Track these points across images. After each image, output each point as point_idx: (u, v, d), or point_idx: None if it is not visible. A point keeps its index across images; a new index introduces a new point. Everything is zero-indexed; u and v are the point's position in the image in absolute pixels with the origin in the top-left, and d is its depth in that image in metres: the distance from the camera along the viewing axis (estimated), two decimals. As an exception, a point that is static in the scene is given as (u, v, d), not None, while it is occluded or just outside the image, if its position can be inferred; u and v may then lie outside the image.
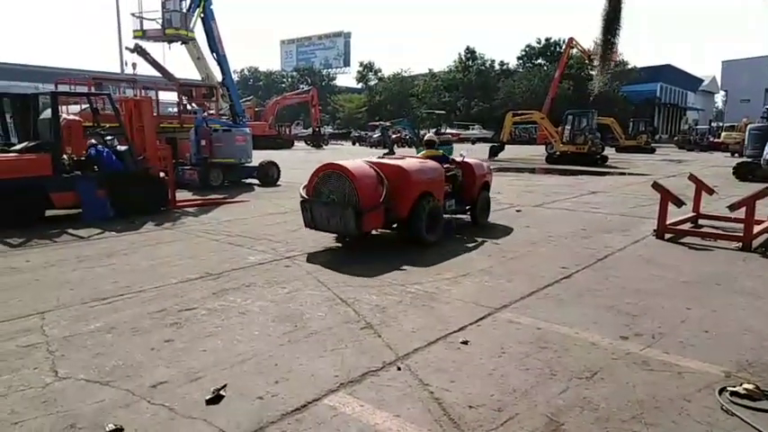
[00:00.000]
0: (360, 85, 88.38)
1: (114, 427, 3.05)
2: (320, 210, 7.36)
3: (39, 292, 5.61)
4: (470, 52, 71.01)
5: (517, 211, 11.28)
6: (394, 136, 34.34)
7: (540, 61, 69.25)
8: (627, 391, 3.55)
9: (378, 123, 33.65)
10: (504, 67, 71.03)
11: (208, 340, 4.36)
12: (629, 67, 60.28)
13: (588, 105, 32.38)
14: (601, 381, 3.70)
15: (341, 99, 79.84)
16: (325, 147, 45.54)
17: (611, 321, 4.87)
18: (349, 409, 3.31)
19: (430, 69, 74.88)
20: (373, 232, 8.12)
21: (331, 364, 3.95)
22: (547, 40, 68.62)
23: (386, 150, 26.07)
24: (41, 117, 10.77)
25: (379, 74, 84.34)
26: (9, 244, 7.91)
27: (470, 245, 7.96)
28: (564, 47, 43.14)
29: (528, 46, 70.51)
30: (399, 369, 3.86)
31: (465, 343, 4.33)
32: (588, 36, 78.28)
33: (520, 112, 31.71)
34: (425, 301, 5.38)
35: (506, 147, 30.55)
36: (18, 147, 9.88)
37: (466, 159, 9.37)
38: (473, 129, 56.35)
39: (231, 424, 3.12)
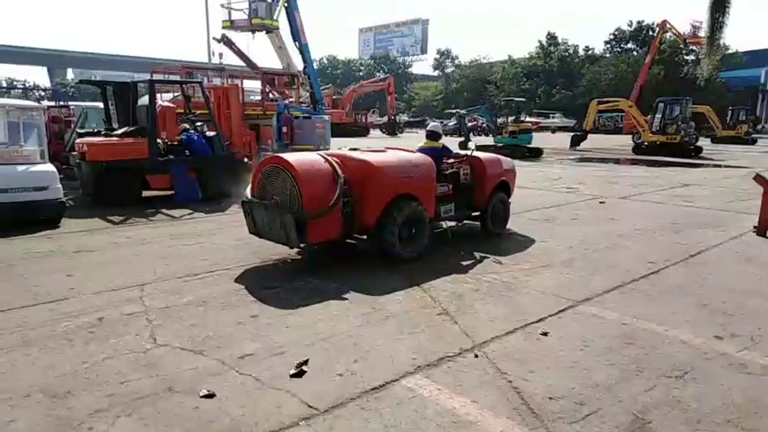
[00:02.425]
0: (436, 73, 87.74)
1: (207, 393, 3.26)
2: (261, 214, 5.99)
3: (138, 266, 6.06)
4: (552, 38, 68.39)
5: (600, 202, 10.83)
6: (470, 124, 33.80)
7: (629, 46, 65.53)
8: (721, 394, 3.35)
9: (454, 111, 33.16)
10: (590, 52, 67.83)
11: (290, 317, 4.54)
12: (731, 51, 55.67)
13: (681, 92, 30.26)
14: (692, 381, 3.51)
15: (417, 87, 79.57)
16: (399, 134, 45.63)
17: (703, 320, 4.59)
18: (426, 391, 3.35)
19: (509, 56, 72.90)
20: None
21: (408, 346, 4.01)
22: (639, 23, 64.75)
23: (462, 139, 25.69)
24: (139, 104, 11.53)
25: (456, 61, 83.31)
26: (111, 221, 8.58)
27: (547, 239, 7.73)
28: (657, 30, 40.53)
29: (617, 30, 66.86)
30: (477, 356, 3.85)
31: (545, 334, 4.24)
32: (684, 19, 72.93)
33: (605, 99, 30.22)
34: (502, 291, 5.31)
35: (589, 136, 29.28)
36: (119, 131, 10.64)
37: (475, 153, 7.67)
38: (554, 117, 54.37)
39: (314, 397, 3.24)
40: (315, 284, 5.43)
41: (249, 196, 6.15)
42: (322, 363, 3.71)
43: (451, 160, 7.48)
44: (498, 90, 66.05)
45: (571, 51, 68.20)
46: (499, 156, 8.28)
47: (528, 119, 33.09)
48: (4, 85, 64.68)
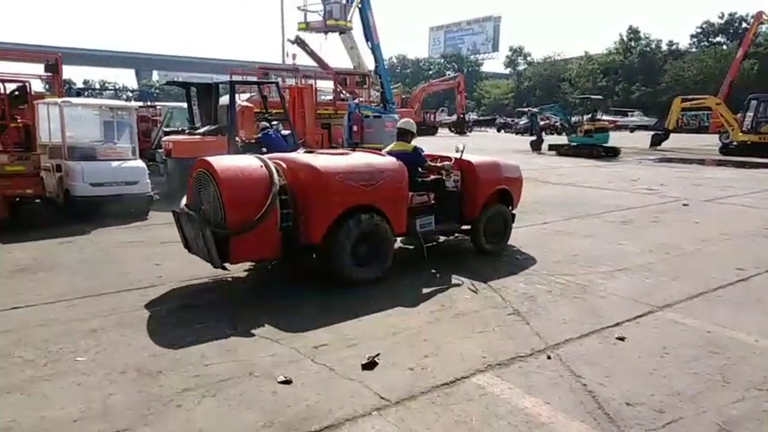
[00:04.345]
0: (507, 71, 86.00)
1: (284, 379, 3.42)
2: (188, 226, 5.15)
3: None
4: (633, 32, 65.20)
5: (684, 205, 10.26)
6: (542, 123, 32.94)
7: (719, 39, 61.44)
8: (820, 411, 3.12)
9: (526, 109, 32.44)
10: (673, 47, 64.19)
11: (361, 311, 4.64)
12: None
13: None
14: (786, 395, 3.29)
15: (487, 85, 78.37)
16: (468, 134, 45.19)
17: (800, 332, 4.28)
18: (497, 389, 3.34)
19: (585, 52, 70.26)
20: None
21: (478, 345, 4.00)
22: (731, 15, 60.60)
23: (533, 138, 25.09)
24: (220, 104, 12.10)
25: (529, 58, 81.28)
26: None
27: (624, 242, 7.43)
28: (752, 22, 37.72)
29: (705, 22, 62.87)
30: (549, 358, 3.79)
31: (621, 339, 4.10)
32: (781, 8, 67.38)
33: (690, 97, 28.49)
34: (576, 293, 5.17)
35: (671, 135, 27.72)
36: (201, 130, 11.22)
37: (466, 156, 6.45)
38: (632, 115, 51.84)
39: (385, 389, 3.32)
40: (385, 280, 5.50)
41: (183, 205, 5.30)
42: (393, 356, 3.78)
43: (443, 163, 6.34)
44: (573, 88, 63.89)
45: (653, 46, 64.82)
46: (498, 160, 7.07)
47: (605, 117, 31.84)
48: (97, 86, 69.64)
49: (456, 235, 6.91)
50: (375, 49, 19.00)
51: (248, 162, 5.11)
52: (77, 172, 8.44)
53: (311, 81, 18.22)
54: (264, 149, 11.38)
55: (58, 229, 7.68)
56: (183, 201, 5.35)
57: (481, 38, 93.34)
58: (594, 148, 21.11)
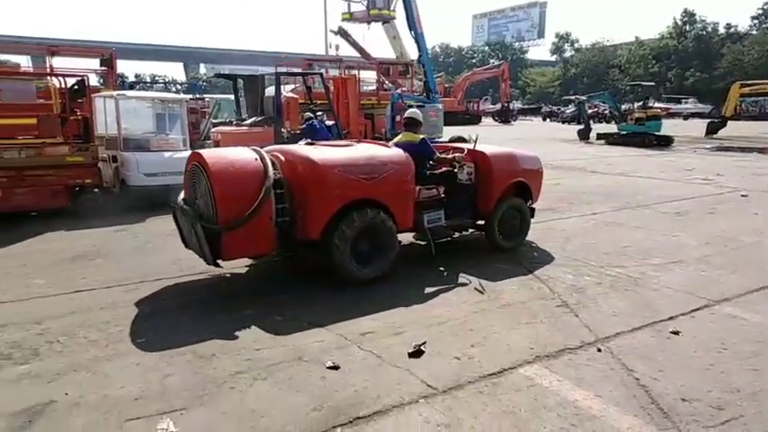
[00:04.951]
0: (554, 58, 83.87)
1: (332, 365, 3.48)
2: (182, 221, 5.01)
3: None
4: (688, 15, 62.35)
5: (742, 195, 9.80)
6: (590, 111, 32.03)
7: (782, 19, 58.12)
8: None
9: (573, 97, 31.57)
10: (732, 30, 61.05)
11: (406, 300, 4.65)
12: None
13: None
14: None
15: (532, 73, 76.67)
16: (513, 122, 44.40)
17: None
18: (546, 381, 3.30)
19: (636, 37, 67.73)
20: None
21: (525, 336, 3.96)
22: (795, -6, 57.13)
23: (581, 126, 24.43)
24: (266, 95, 12.32)
25: (576, 44, 79.00)
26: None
27: (679, 234, 7.16)
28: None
29: (768, 3, 59.52)
30: (600, 350, 3.71)
31: (676, 333, 3.98)
32: None
33: (750, 82, 27.07)
34: (628, 286, 5.04)
35: (729, 123, 26.43)
36: (248, 121, 11.46)
37: (479, 147, 6.18)
38: (686, 102, 49.72)
39: (432, 377, 3.33)
40: (429, 271, 5.51)
41: (180, 199, 5.13)
42: (438, 345, 3.79)
43: (452, 155, 6.03)
44: (622, 74, 61.82)
45: (710, 29, 61.84)
46: (515, 150, 6.71)
47: (657, 104, 30.66)
48: (148, 80, 71.96)
49: (471, 230, 6.47)
50: (418, 38, 18.82)
51: (242, 155, 4.89)
52: (132, 163, 8.77)
53: (354, 71, 18.27)
54: (309, 140, 11.55)
55: (114, 217, 8.01)
56: (181, 195, 5.17)
57: (526, 24, 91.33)
58: (646, 137, 20.38)
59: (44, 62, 15.83)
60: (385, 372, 3.42)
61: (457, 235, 6.60)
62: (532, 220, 6.52)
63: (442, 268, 5.54)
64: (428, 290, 4.94)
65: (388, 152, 5.47)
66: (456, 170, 5.91)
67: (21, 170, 7.84)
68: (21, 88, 8.98)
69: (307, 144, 5.79)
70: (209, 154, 4.84)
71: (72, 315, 4.34)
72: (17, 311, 4.43)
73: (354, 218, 4.89)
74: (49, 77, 11.31)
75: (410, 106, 16.15)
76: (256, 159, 4.80)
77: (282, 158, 5.03)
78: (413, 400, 3.09)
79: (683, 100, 50.34)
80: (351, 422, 2.87)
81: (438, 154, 5.96)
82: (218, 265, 4.80)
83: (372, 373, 3.40)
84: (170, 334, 3.97)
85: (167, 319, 4.27)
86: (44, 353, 3.68)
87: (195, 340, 3.84)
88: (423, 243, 5.83)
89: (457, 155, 6.00)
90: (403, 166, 5.30)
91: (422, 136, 5.93)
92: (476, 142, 6.19)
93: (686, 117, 44.12)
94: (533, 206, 6.57)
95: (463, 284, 5.07)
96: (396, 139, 6.05)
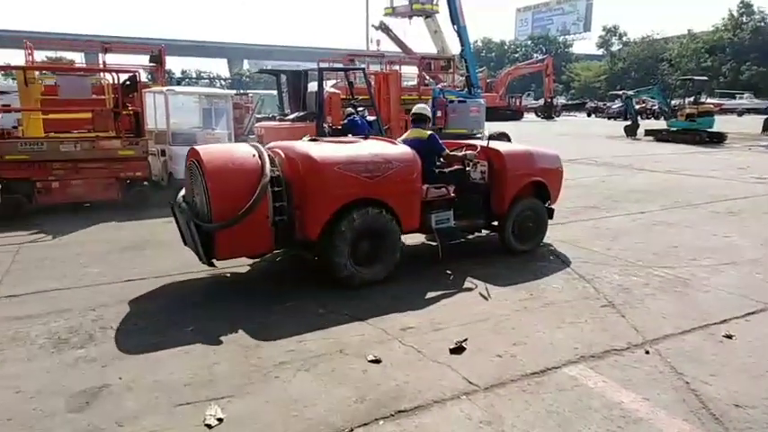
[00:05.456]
0: (600, 51, 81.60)
1: (374, 358, 3.51)
2: (180, 219, 4.89)
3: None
4: (745, 6, 59.53)
5: (801, 195, 9.33)
6: (638, 106, 31.03)
7: None
8: None
9: (620, 92, 30.60)
10: (793, 20, 58.01)
11: (446, 297, 4.66)
12: None
13: None
14: None
15: (577, 67, 74.79)
16: (556, 118, 43.48)
17: None
18: (591, 382, 3.24)
19: (689, 30, 65.18)
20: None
21: (569, 335, 3.89)
22: None
23: (628, 122, 23.71)
24: (309, 90, 12.44)
25: (625, 38, 76.66)
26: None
27: (731, 234, 6.88)
28: None
29: (831, -8, 56.21)
30: (647, 352, 3.61)
31: (729, 337, 3.83)
32: None
33: (811, 75, 25.65)
34: (677, 287, 4.88)
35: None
36: (291, 116, 11.61)
37: (493, 144, 5.97)
38: (741, 98, 47.53)
39: (474, 374, 3.32)
40: (470, 268, 5.47)
41: (180, 196, 5.04)
42: (480, 343, 3.76)
43: (465, 152, 5.74)
44: (673, 68, 59.63)
45: (768, 21, 58.94)
46: (532, 148, 6.38)
47: (709, 100, 29.46)
48: (194, 75, 73.85)
49: (485, 231, 6.21)
50: (461, 32, 18.66)
51: (240, 151, 4.77)
52: (180, 157, 9.00)
53: (396, 67, 18.26)
54: (350, 135, 11.62)
55: (162, 209, 8.23)
56: (182, 192, 5.07)
57: (572, 18, 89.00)
58: (697, 134, 19.62)
59: (97, 59, 16.49)
60: (426, 367, 3.43)
61: (472, 236, 6.33)
62: (578, 218, 6.40)
63: (486, 266, 5.49)
64: (470, 285, 4.92)
65: (393, 149, 5.27)
66: (468, 168, 5.67)
67: (76, 163, 8.20)
68: (77, 84, 9.37)
69: (311, 140, 5.62)
70: (205, 150, 4.71)
71: (123, 303, 4.52)
72: (74, 298, 4.65)
73: (355, 217, 4.72)
74: (102, 73, 11.77)
75: (451, 101, 16.14)
76: (254, 156, 4.66)
77: (283, 155, 4.89)
78: (454, 396, 3.08)
79: (738, 95, 48.17)
80: (392, 416, 2.89)
81: (448, 151, 5.73)
82: (212, 265, 4.72)
83: (413, 368, 3.41)
84: (216, 323, 4.08)
85: (213, 309, 4.38)
86: (99, 338, 3.85)
87: (240, 330, 3.94)
88: (434, 244, 5.57)
89: (468, 152, 5.73)
90: (408, 164, 5.09)
91: (430, 132, 5.73)
92: (489, 140, 5.85)
93: (741, 113, 42.20)
94: (552, 207, 6.27)
95: (506, 284, 5.01)
96: (403, 136, 5.85)
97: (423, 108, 5.99)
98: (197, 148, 4.78)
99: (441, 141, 5.73)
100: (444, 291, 4.79)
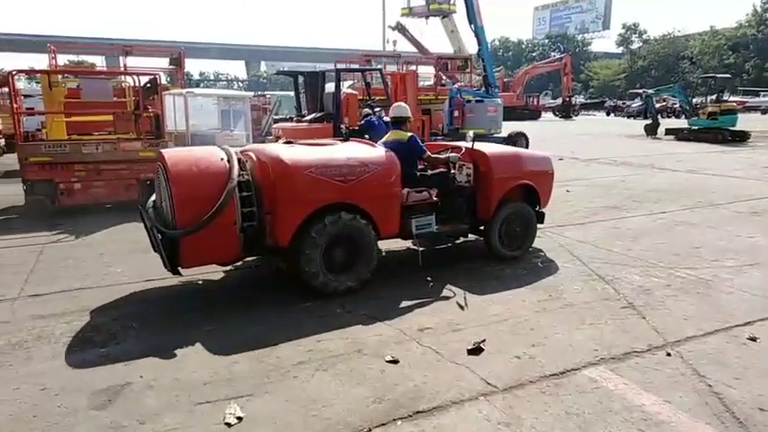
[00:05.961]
0: (620, 50, 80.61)
1: (392, 359, 3.51)
2: (146, 224, 4.67)
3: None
4: (769, 2, 58.35)
5: (829, 195, 9.11)
6: (658, 105, 30.57)
7: None
8: None
9: (640, 91, 30.17)
10: (819, 17, 56.65)
11: (459, 298, 4.63)
12: None
13: None
14: None
15: (596, 66, 73.96)
16: (574, 117, 43.04)
17: None
18: (611, 384, 3.20)
19: (711, 26, 64.12)
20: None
21: (589, 337, 3.85)
22: None
23: (648, 121, 23.38)
24: (326, 92, 12.49)
25: (645, 36, 75.62)
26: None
27: (755, 235, 6.74)
28: None
29: None
30: (669, 355, 3.56)
31: (753, 339, 3.76)
32: None
33: (839, 72, 25.04)
34: (699, 288, 4.80)
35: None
36: (308, 117, 11.67)
37: (477, 146, 5.68)
38: (765, 96, 46.65)
39: (492, 375, 3.30)
40: (488, 268, 5.45)
41: (150, 202, 4.88)
42: (498, 344, 3.75)
43: (449, 154, 5.56)
44: (694, 66, 58.62)
45: (794, 16, 57.63)
46: (521, 150, 6.22)
47: (732, 98, 28.92)
48: (212, 77, 74.63)
49: (471, 236, 6.00)
50: (478, 32, 18.58)
51: (206, 155, 4.56)
52: (199, 158, 9.14)
53: (412, 67, 18.25)
54: (367, 136, 11.64)
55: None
56: (152, 197, 4.88)
57: (590, 15, 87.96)
58: (719, 132, 19.25)
59: (117, 62, 16.75)
60: (444, 368, 3.42)
61: (460, 240, 6.11)
62: (597, 218, 6.33)
63: (503, 266, 5.47)
64: (488, 286, 4.89)
65: (370, 152, 5.06)
66: (453, 171, 5.49)
67: (98, 164, 8.33)
68: (99, 87, 9.55)
69: (286, 143, 5.43)
70: (170, 154, 4.54)
71: (145, 302, 4.59)
72: (97, 297, 4.73)
73: (326, 223, 4.53)
74: (123, 76, 11.96)
75: (468, 101, 16.07)
76: (222, 159, 4.46)
77: (255, 158, 4.72)
78: (472, 397, 3.08)
79: (762, 93, 47.19)
80: (411, 416, 2.90)
81: (430, 153, 5.52)
82: (178, 273, 4.56)
83: (431, 369, 3.41)
84: (236, 323, 4.12)
85: (232, 309, 4.43)
86: (121, 337, 3.91)
87: (259, 330, 3.98)
88: (422, 249, 5.37)
89: (452, 155, 5.55)
90: (385, 168, 4.89)
91: (410, 134, 5.48)
92: (473, 141, 5.71)
93: (765, 111, 41.36)
94: (542, 211, 6.04)
95: (524, 284, 4.98)
96: (383, 138, 5.63)
97: (402, 109, 5.78)
98: (163, 151, 4.65)
99: (422, 143, 5.55)
100: (461, 292, 4.77)
